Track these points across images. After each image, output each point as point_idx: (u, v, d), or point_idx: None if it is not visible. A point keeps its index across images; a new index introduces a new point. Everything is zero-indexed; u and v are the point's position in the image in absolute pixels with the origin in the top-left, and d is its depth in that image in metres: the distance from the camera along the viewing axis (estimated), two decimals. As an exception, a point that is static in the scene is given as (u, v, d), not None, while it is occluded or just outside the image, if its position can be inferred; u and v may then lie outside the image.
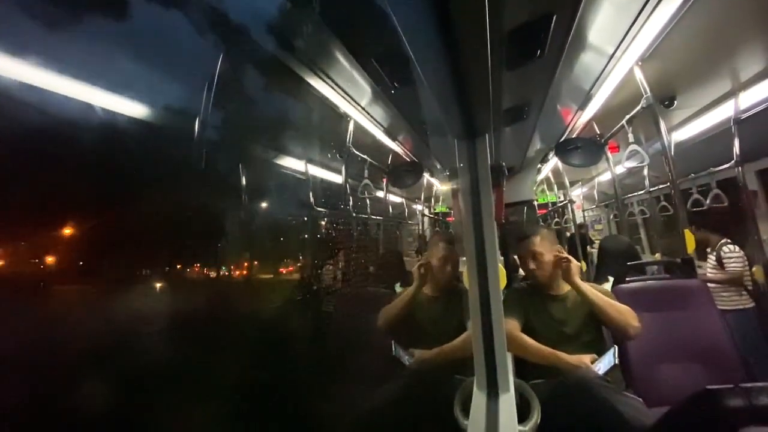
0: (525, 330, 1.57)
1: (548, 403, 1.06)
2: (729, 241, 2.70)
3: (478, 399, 0.99)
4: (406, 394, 1.36)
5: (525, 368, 1.50)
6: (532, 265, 1.65)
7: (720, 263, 2.67)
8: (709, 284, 1.95)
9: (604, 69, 1.83)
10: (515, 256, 3.57)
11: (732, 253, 2.63)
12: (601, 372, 1.33)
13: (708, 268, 2.79)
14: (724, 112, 2.40)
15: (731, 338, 1.69)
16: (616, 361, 1.34)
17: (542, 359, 1.45)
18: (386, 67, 1.49)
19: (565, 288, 1.65)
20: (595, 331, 1.57)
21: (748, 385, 0.77)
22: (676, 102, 2.49)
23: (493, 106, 0.89)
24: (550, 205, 6.77)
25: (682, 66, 2.06)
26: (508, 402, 0.98)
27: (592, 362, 1.39)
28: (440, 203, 6.70)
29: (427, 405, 1.22)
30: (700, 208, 2.95)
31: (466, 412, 0.99)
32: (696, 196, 3.01)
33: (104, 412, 1.51)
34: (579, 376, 1.31)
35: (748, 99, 2.19)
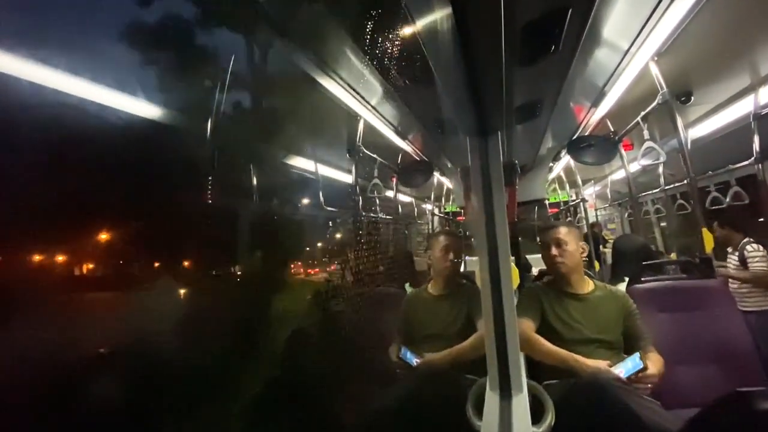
0: (542, 330, 1.52)
1: (562, 404, 1.04)
2: (752, 240, 2.63)
3: (491, 400, 0.98)
4: (418, 394, 1.35)
5: (538, 369, 1.48)
6: (554, 251, 1.60)
7: (743, 263, 2.60)
8: (731, 284, 1.90)
9: (619, 65, 1.80)
10: (527, 256, 3.55)
11: (755, 252, 2.55)
12: (624, 376, 1.27)
13: (730, 268, 2.72)
14: (743, 107, 2.34)
15: (752, 339, 1.64)
16: (643, 365, 1.27)
17: (559, 361, 1.40)
18: (397, 64, 1.48)
19: (587, 288, 1.61)
20: (617, 333, 1.51)
21: None
22: (693, 98, 2.44)
23: (506, 103, 0.87)
24: (561, 204, 6.68)
25: (700, 61, 2.02)
26: (521, 403, 0.97)
27: (610, 367, 1.36)
28: (450, 202, 6.66)
29: (441, 405, 1.21)
30: (720, 206, 2.88)
31: (479, 412, 0.98)
32: (715, 193, 2.94)
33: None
34: (593, 377, 1.28)
35: (769, 94, 2.13)
